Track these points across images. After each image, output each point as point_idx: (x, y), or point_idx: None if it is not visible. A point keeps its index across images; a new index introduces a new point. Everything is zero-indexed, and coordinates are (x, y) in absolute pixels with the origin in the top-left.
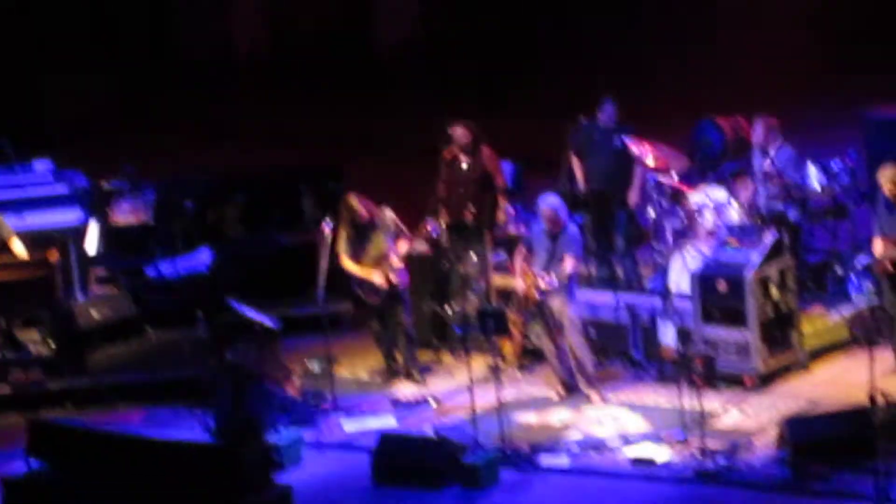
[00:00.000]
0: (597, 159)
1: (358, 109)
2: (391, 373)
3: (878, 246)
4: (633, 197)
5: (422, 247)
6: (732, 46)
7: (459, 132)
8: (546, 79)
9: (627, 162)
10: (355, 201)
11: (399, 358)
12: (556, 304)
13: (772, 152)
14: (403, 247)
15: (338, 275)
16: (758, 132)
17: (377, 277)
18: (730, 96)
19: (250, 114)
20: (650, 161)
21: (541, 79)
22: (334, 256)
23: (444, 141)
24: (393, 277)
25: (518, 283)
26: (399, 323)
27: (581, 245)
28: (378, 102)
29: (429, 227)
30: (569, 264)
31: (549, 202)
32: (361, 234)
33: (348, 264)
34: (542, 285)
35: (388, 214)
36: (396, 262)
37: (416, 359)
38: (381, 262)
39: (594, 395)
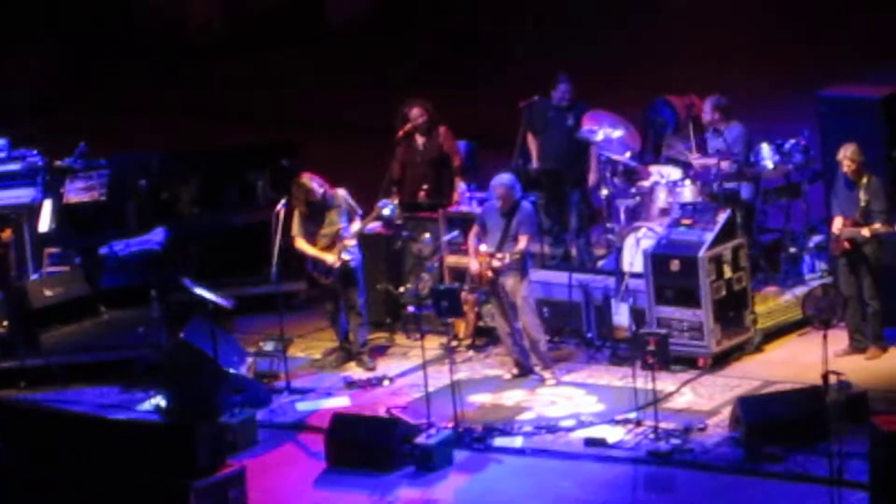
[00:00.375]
0: (550, 138)
1: (312, 86)
2: (345, 353)
3: (837, 224)
4: (591, 178)
5: (375, 226)
6: (685, 24)
7: (415, 111)
8: (503, 55)
9: (581, 141)
10: (308, 180)
11: (352, 338)
12: (510, 283)
13: (723, 131)
14: (356, 226)
15: (292, 254)
16: (706, 112)
17: (330, 258)
18: (682, 74)
19: (204, 92)
20: (614, 134)
21: (497, 55)
22: (288, 236)
23: (399, 120)
24: (346, 257)
25: (472, 263)
26: (352, 304)
27: (535, 224)
28: (332, 79)
29: (382, 207)
30: (523, 243)
31: (503, 180)
32: (315, 213)
33: (301, 244)
34: (496, 264)
35: (342, 193)
36: (350, 242)
37: (366, 342)
38: (334, 241)
39: (548, 375)
